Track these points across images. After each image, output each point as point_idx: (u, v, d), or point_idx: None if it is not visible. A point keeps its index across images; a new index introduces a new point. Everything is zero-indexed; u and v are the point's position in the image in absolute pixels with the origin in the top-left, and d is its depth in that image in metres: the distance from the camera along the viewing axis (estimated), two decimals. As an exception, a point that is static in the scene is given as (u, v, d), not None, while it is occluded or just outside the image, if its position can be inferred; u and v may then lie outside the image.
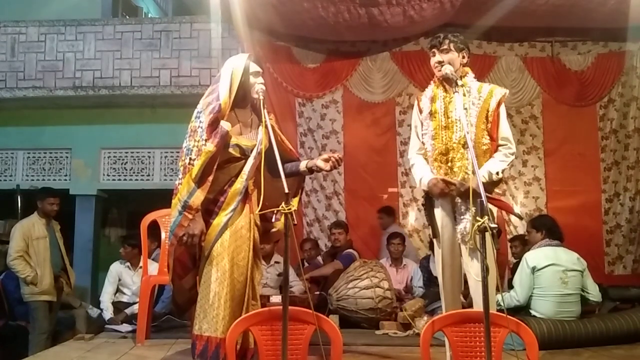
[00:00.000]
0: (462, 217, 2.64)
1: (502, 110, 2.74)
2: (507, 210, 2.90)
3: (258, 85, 2.70)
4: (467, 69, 2.81)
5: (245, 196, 2.66)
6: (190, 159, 2.55)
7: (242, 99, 2.71)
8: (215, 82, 2.71)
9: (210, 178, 2.55)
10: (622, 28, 5.60)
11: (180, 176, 2.59)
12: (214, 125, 2.56)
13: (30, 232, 4.68)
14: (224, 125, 2.58)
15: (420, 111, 2.86)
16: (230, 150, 2.62)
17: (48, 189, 5.12)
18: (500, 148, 2.69)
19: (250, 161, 2.65)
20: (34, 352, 4.18)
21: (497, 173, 2.59)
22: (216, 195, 2.63)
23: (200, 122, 2.59)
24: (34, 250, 4.66)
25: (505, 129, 2.72)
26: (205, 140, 2.53)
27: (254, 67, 2.75)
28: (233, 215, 2.60)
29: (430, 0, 5.21)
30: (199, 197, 2.53)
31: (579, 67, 6.09)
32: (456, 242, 2.69)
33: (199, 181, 2.53)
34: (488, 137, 2.68)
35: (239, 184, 2.63)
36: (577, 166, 5.96)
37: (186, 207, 2.52)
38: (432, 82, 2.87)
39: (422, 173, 2.76)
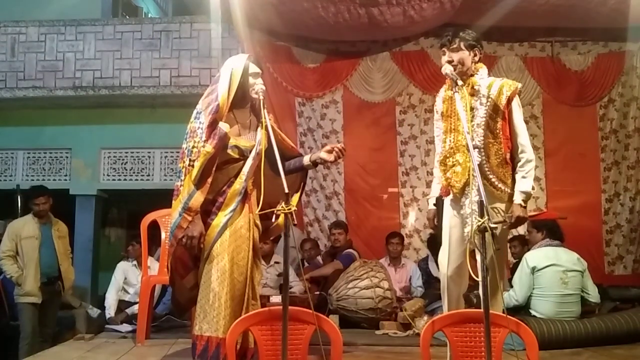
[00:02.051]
0: (467, 219, 2.63)
1: (515, 106, 2.67)
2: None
3: (258, 86, 2.69)
4: (480, 65, 2.74)
5: (245, 196, 2.66)
6: (190, 160, 2.56)
7: (241, 99, 2.71)
8: (215, 82, 2.71)
9: (210, 180, 2.55)
10: (622, 28, 5.60)
11: (181, 177, 2.60)
12: (212, 126, 2.56)
13: (19, 232, 4.61)
14: (223, 126, 2.57)
15: (437, 112, 2.86)
16: (229, 151, 2.61)
17: (36, 187, 4.99)
18: (520, 156, 2.66)
19: (249, 162, 2.64)
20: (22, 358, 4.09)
21: (532, 189, 2.66)
22: (215, 196, 2.63)
23: (200, 122, 2.59)
24: (22, 250, 4.58)
25: (521, 130, 2.67)
26: (204, 142, 2.53)
27: (254, 68, 2.74)
28: (232, 215, 2.60)
29: (430, 0, 5.21)
30: (198, 199, 2.53)
31: (579, 67, 6.08)
32: (465, 243, 2.68)
33: (198, 183, 2.53)
34: (500, 136, 2.64)
35: (238, 185, 2.63)
36: (577, 166, 5.95)
37: (186, 208, 2.53)
38: (445, 82, 2.82)
39: (431, 194, 2.96)
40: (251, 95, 2.71)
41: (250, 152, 2.66)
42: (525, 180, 2.63)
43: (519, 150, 2.67)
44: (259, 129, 2.70)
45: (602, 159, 6.01)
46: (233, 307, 2.54)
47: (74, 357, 3.26)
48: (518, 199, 2.62)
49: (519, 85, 2.72)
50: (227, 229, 2.59)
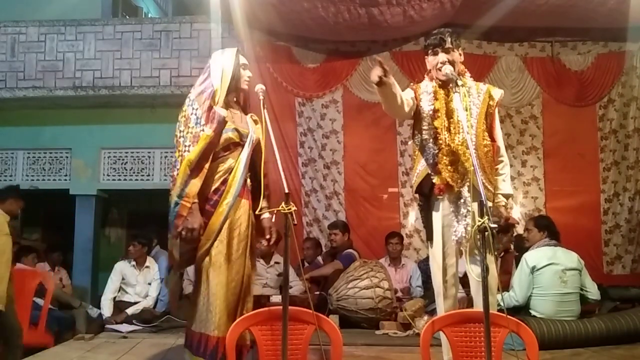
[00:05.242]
0: (461, 217, 2.63)
1: (497, 111, 2.77)
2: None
3: (258, 86, 2.72)
4: (464, 67, 2.77)
5: (245, 191, 2.66)
6: (185, 145, 2.53)
7: (234, 89, 2.74)
8: (205, 72, 2.72)
9: (207, 165, 2.53)
10: (622, 28, 5.61)
11: (177, 167, 2.55)
12: (210, 110, 2.57)
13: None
14: (220, 111, 2.60)
15: (417, 99, 2.74)
16: (230, 134, 2.62)
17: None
18: (499, 159, 2.73)
19: (247, 147, 2.66)
20: None
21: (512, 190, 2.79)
22: (219, 185, 2.61)
23: (194, 108, 2.59)
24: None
25: (500, 135, 2.76)
26: (203, 125, 2.53)
27: (242, 60, 2.79)
28: (234, 204, 2.59)
29: (430, 0, 5.21)
30: (195, 185, 2.50)
31: (579, 67, 6.08)
32: (455, 242, 2.68)
33: (195, 168, 2.50)
34: (489, 138, 2.69)
35: (237, 170, 2.62)
36: (576, 166, 5.96)
37: (183, 195, 2.48)
38: (427, 79, 2.79)
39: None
40: (241, 87, 2.77)
41: (247, 137, 2.68)
42: (506, 183, 2.74)
43: (499, 154, 2.74)
44: (249, 119, 2.75)
45: (601, 159, 6.01)
46: (229, 305, 2.53)
47: (74, 357, 3.27)
48: (503, 201, 2.70)
49: (503, 92, 2.79)
50: (228, 220, 2.56)
